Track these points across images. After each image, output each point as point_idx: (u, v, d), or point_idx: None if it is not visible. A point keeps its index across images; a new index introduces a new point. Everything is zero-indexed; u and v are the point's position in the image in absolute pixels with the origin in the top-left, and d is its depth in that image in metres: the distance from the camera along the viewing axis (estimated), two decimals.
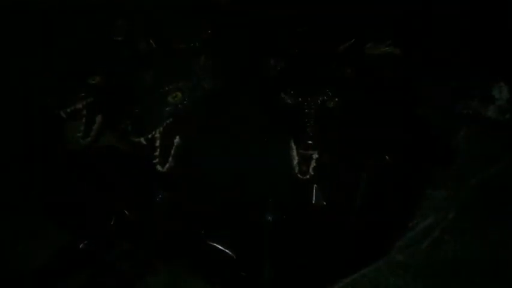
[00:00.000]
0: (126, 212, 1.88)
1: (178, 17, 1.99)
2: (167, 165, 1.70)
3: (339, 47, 1.84)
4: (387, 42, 2.10)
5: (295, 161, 1.64)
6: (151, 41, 1.81)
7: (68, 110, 1.74)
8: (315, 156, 1.63)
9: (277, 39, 1.93)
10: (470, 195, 2.07)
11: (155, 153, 1.69)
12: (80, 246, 1.86)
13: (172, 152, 1.70)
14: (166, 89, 1.65)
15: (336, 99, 1.65)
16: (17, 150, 2.11)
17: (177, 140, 1.71)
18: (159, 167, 1.69)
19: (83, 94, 1.76)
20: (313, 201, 1.78)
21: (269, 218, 1.79)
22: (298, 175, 1.64)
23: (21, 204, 2.06)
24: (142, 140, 1.62)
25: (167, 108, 1.66)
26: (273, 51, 1.82)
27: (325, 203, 1.78)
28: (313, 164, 1.64)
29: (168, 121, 1.66)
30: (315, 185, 1.77)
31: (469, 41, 2.40)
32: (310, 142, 1.56)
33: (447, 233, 1.94)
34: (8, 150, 2.11)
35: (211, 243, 1.80)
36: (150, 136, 1.64)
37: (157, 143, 1.68)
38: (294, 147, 1.64)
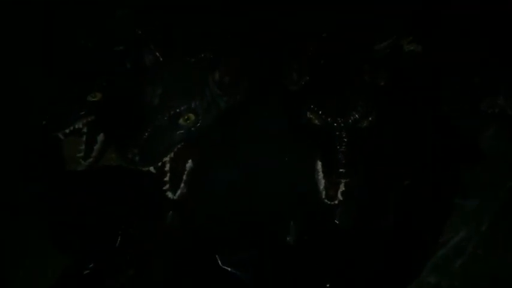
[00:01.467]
0: (133, 235, 1.74)
1: (186, 24, 1.79)
2: (179, 192, 1.55)
3: (370, 52, 1.66)
4: (408, 39, 1.98)
5: (322, 186, 1.51)
6: (157, 53, 1.61)
7: (67, 131, 1.63)
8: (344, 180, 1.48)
9: (300, 48, 1.73)
10: (502, 203, 1.93)
11: (165, 179, 1.54)
12: (84, 272, 1.74)
13: (184, 177, 1.55)
14: (177, 110, 1.48)
15: (370, 118, 1.48)
16: (17, 169, 1.95)
17: (189, 164, 1.55)
18: (169, 194, 1.55)
19: (83, 113, 1.65)
20: (338, 223, 1.64)
21: (290, 241, 1.67)
22: (326, 200, 1.52)
23: (21, 225, 1.93)
24: (151, 168, 1.45)
25: (178, 132, 1.49)
26: (296, 63, 1.64)
27: (350, 224, 1.65)
28: (341, 188, 1.50)
29: (179, 145, 1.50)
30: (340, 206, 1.61)
31: (491, 35, 2.22)
32: (342, 170, 1.38)
33: (481, 247, 1.82)
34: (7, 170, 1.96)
35: (226, 268, 1.67)
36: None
37: (167, 168, 1.52)
38: (320, 170, 1.50)
